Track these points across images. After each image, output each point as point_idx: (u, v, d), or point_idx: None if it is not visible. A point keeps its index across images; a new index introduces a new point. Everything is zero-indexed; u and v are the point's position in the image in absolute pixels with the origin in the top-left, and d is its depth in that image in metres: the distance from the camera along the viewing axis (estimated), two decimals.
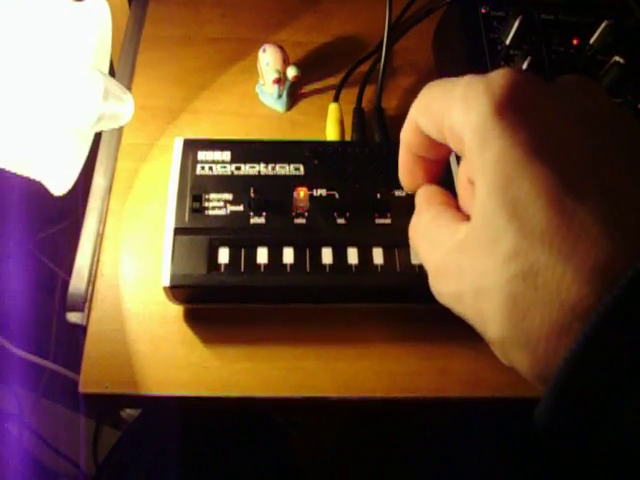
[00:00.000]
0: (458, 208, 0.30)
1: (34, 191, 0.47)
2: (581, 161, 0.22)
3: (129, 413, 0.95)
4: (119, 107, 0.45)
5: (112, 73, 0.53)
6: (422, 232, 0.30)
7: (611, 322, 0.19)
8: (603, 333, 0.19)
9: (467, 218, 0.28)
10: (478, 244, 0.23)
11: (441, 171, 0.32)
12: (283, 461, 0.69)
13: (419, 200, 0.32)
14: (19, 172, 0.43)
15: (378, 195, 0.42)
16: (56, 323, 1.09)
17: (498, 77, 0.24)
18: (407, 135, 0.30)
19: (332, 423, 0.91)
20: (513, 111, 0.23)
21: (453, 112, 0.25)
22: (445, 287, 0.26)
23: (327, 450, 0.88)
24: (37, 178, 0.44)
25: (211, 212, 0.41)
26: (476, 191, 0.24)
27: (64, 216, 1.11)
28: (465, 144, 0.25)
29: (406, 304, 0.43)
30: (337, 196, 0.42)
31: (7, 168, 0.43)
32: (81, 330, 0.44)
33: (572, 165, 0.22)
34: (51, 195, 0.44)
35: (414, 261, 0.40)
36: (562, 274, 0.20)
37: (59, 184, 0.44)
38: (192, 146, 0.43)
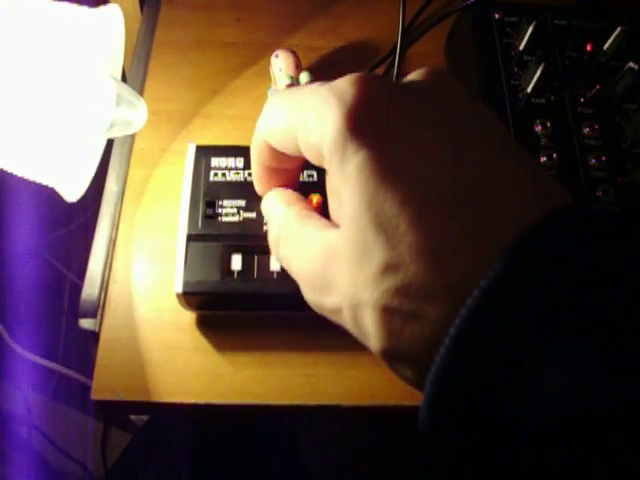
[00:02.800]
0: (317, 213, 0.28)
1: (43, 194, 0.47)
2: (441, 169, 0.22)
3: (138, 416, 0.95)
4: (132, 113, 0.45)
5: (124, 78, 0.53)
6: (289, 237, 0.28)
7: (468, 333, 0.19)
8: (463, 345, 0.19)
9: (333, 224, 0.27)
10: (350, 257, 0.23)
11: (298, 175, 0.31)
12: (292, 464, 0.69)
13: (275, 203, 0.30)
14: (32, 178, 0.43)
15: None
16: (65, 326, 1.09)
17: (347, 86, 0.23)
18: (257, 152, 0.29)
19: (342, 427, 0.91)
20: (367, 123, 0.22)
21: (307, 126, 0.24)
22: (322, 300, 0.25)
23: (336, 453, 0.88)
24: (50, 184, 0.44)
25: (224, 219, 0.41)
26: (343, 203, 0.23)
27: (73, 219, 1.11)
28: (325, 159, 0.24)
29: None
30: None
31: (20, 174, 0.43)
32: (91, 334, 0.44)
33: (432, 174, 0.22)
34: (61, 199, 0.44)
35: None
36: (432, 287, 0.20)
37: (72, 190, 0.44)
38: (205, 152, 0.43)
